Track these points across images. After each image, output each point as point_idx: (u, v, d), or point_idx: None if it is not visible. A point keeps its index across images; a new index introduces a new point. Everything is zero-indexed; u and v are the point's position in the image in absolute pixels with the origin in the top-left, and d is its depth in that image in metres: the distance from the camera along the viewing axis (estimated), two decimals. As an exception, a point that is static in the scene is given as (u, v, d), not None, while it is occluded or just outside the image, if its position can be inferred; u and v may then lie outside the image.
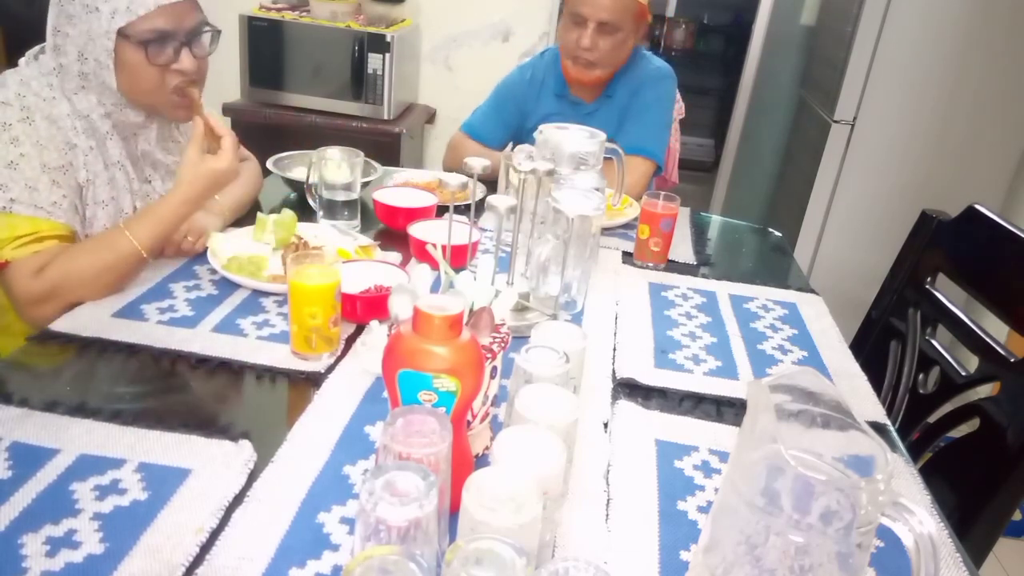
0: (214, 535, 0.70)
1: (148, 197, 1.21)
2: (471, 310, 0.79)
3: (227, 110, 2.75)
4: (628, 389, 1.01)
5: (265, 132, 2.68)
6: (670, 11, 3.93)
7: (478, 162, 1.03)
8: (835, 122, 2.40)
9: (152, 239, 1.08)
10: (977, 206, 1.32)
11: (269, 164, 1.56)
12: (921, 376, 1.32)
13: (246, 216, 1.39)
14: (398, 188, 1.50)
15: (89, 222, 1.13)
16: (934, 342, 1.33)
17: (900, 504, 0.53)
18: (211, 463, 0.78)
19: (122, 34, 1.06)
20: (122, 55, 1.08)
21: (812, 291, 1.36)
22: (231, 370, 0.96)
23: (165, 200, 1.10)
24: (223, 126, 1.13)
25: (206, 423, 0.85)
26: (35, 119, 1.05)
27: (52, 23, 1.07)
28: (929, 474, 0.93)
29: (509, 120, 1.83)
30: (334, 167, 1.36)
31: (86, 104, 1.11)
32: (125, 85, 1.10)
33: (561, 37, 1.73)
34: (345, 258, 1.18)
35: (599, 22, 1.63)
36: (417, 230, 1.27)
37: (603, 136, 1.24)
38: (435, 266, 0.84)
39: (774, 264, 1.56)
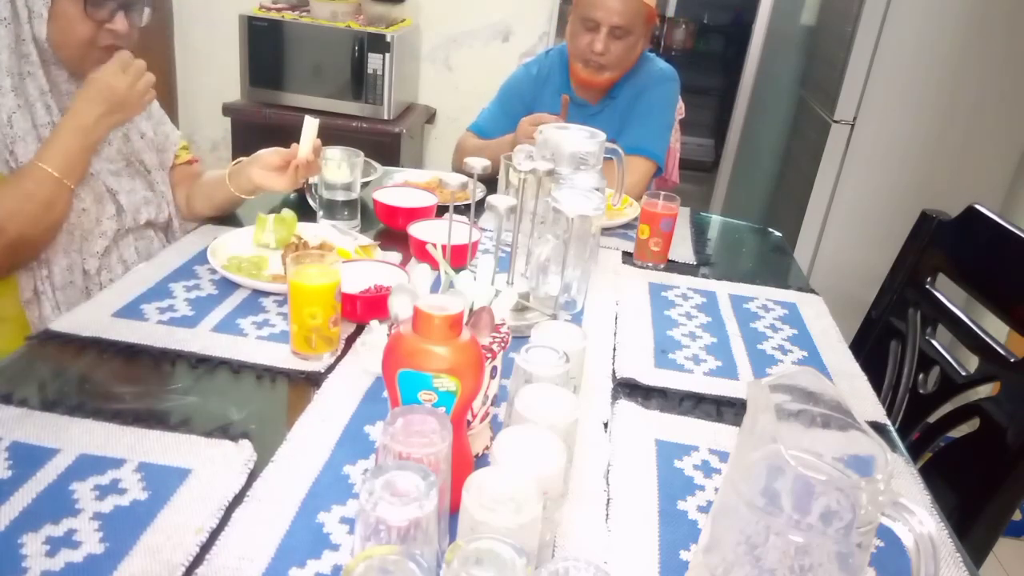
0: (214, 535, 0.70)
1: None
2: (471, 310, 0.79)
3: (227, 110, 2.75)
4: (628, 389, 1.01)
5: (265, 132, 2.68)
6: (670, 11, 3.92)
7: (478, 162, 1.03)
8: (835, 122, 2.40)
9: (60, 158, 1.09)
10: (977, 206, 1.32)
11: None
12: (921, 376, 1.32)
13: (246, 216, 1.40)
14: (398, 188, 1.50)
15: None
16: (934, 342, 1.33)
17: (900, 504, 0.53)
18: (211, 463, 0.78)
19: None
20: (59, 4, 1.10)
21: (812, 291, 1.36)
22: (231, 370, 0.96)
23: (62, 122, 1.12)
24: None
25: (206, 423, 0.85)
26: None
27: None
28: (929, 474, 0.93)
29: (516, 117, 1.82)
30: (334, 167, 1.36)
31: (30, 55, 1.11)
32: (56, 36, 1.12)
33: (571, 41, 1.72)
34: (345, 258, 1.18)
35: (611, 26, 1.63)
36: (417, 230, 1.27)
37: (603, 136, 1.24)
38: (435, 266, 0.84)
39: (774, 264, 1.56)
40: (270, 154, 1.28)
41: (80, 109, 1.12)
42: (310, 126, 1.27)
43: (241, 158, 1.34)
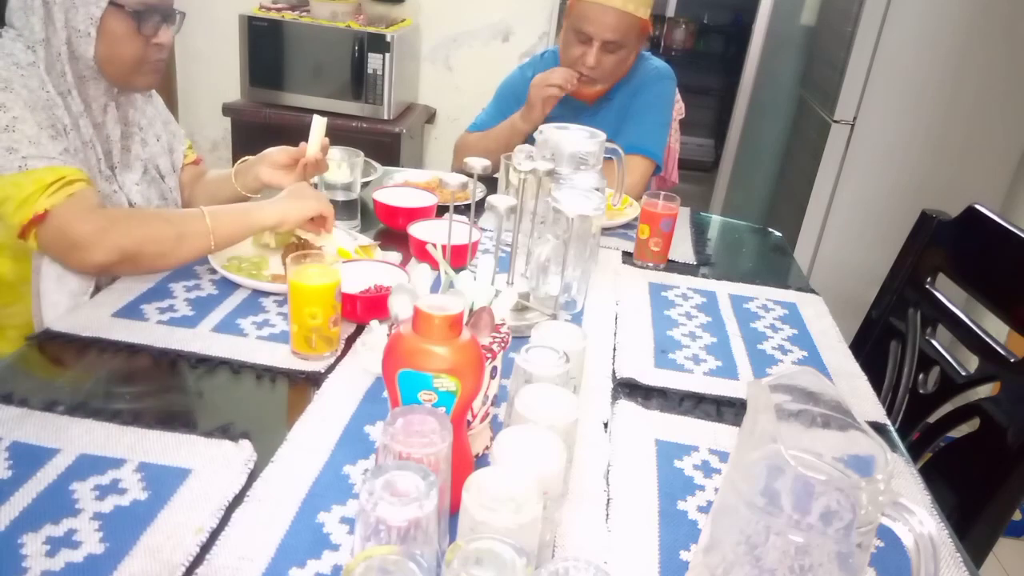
0: (214, 535, 0.70)
1: (109, 180, 1.19)
2: (471, 310, 0.79)
3: (227, 110, 2.75)
4: (628, 389, 1.01)
5: (265, 132, 2.68)
6: (670, 11, 3.92)
7: (478, 162, 1.03)
8: (835, 122, 2.40)
9: (222, 228, 1.09)
10: (977, 206, 1.32)
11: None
12: (921, 376, 1.32)
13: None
14: (398, 188, 1.50)
15: None
16: (934, 342, 1.33)
17: (900, 504, 0.53)
18: (211, 463, 0.78)
19: (115, 3, 1.08)
20: (109, 24, 1.10)
21: (812, 291, 1.36)
22: (231, 370, 0.96)
23: (250, 205, 1.14)
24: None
25: (206, 423, 0.85)
26: (15, 87, 1.04)
27: None
28: (929, 474, 0.93)
29: None
30: (334, 167, 1.36)
31: (66, 75, 1.11)
32: (104, 53, 1.12)
33: (563, 50, 1.71)
34: (345, 258, 1.18)
35: (604, 41, 1.62)
36: (417, 230, 1.27)
37: (603, 136, 1.24)
38: (435, 266, 0.84)
39: (774, 264, 1.56)
40: (278, 152, 1.29)
41: (282, 211, 1.13)
42: (319, 124, 1.27)
43: (247, 156, 1.34)
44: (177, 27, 1.20)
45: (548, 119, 1.74)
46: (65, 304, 1.11)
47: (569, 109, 1.78)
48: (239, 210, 1.14)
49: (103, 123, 1.18)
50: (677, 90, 1.88)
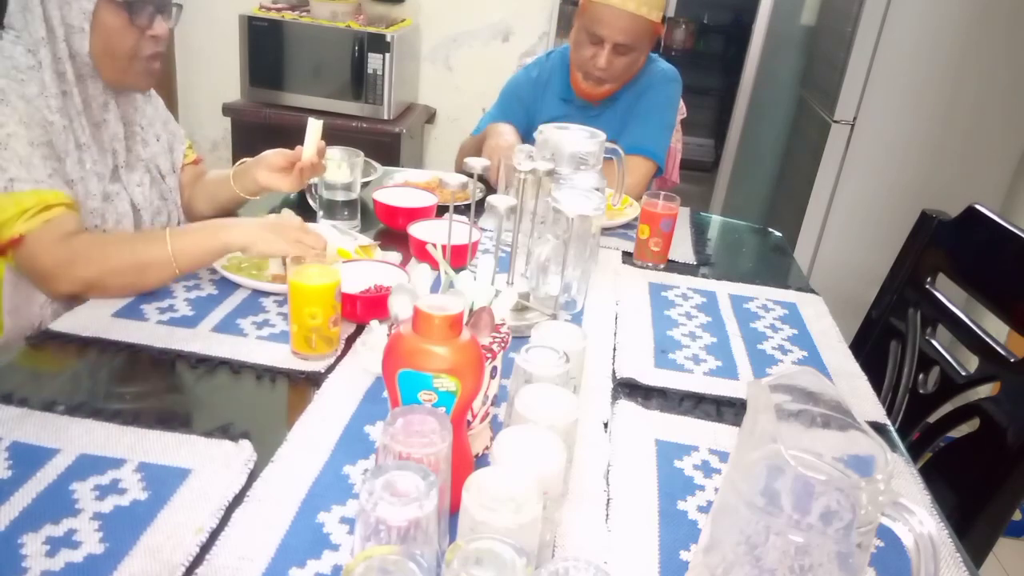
0: (214, 535, 0.70)
1: (113, 180, 1.19)
2: (471, 310, 0.79)
3: (227, 110, 2.75)
4: (628, 389, 1.01)
5: (265, 132, 2.68)
6: (670, 11, 3.92)
7: (478, 162, 1.03)
8: (835, 122, 2.40)
9: (185, 254, 1.08)
10: (977, 206, 1.32)
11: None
12: (921, 376, 1.32)
13: (246, 216, 1.40)
14: (398, 188, 1.50)
15: None
16: (934, 342, 1.33)
17: (900, 504, 0.53)
18: (211, 463, 0.78)
19: None
20: (102, 17, 1.09)
21: (812, 291, 1.36)
22: (231, 370, 0.96)
23: (220, 224, 1.12)
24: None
25: (206, 423, 0.85)
26: (11, 100, 1.05)
27: None
28: (929, 474, 0.93)
29: (518, 119, 1.82)
30: (334, 167, 1.36)
31: (66, 74, 1.11)
32: (99, 48, 1.11)
33: (574, 50, 1.71)
34: (345, 258, 1.18)
35: (616, 43, 1.62)
36: (417, 230, 1.27)
37: (603, 136, 1.24)
38: (435, 266, 0.84)
39: (774, 264, 1.56)
40: (275, 155, 1.29)
41: (246, 234, 1.09)
42: (314, 128, 1.27)
43: (245, 159, 1.34)
44: (174, 20, 1.19)
45: (551, 119, 1.74)
46: (23, 310, 1.11)
47: (574, 109, 1.78)
48: (206, 233, 1.10)
49: (106, 121, 1.18)
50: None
